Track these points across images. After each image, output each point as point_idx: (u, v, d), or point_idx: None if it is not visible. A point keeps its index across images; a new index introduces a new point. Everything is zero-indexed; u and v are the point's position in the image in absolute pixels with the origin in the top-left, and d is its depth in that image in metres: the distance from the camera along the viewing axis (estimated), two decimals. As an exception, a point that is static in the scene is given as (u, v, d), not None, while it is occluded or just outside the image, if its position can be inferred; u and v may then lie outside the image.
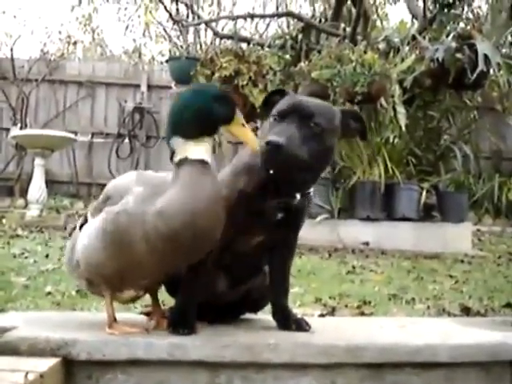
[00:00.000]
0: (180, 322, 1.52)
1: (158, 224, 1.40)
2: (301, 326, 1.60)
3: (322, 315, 2.18)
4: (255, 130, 5.19)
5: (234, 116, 1.50)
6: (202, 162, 1.46)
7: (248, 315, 1.80)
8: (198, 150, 1.47)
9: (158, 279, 1.59)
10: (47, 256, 3.56)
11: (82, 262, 1.58)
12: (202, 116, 1.47)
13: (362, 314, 2.37)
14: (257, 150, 1.48)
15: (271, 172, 1.51)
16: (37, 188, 5.76)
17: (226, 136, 5.88)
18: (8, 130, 8.19)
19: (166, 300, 1.76)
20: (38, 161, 5.86)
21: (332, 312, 2.34)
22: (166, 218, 1.40)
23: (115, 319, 1.56)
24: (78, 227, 1.65)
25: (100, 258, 1.51)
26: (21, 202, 7.15)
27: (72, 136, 6.31)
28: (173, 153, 1.49)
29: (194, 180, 1.44)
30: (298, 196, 1.55)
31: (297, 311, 1.79)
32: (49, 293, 2.58)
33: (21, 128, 8.05)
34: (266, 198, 1.54)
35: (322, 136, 1.50)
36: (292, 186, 1.55)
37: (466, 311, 2.47)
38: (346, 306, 2.52)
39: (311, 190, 1.60)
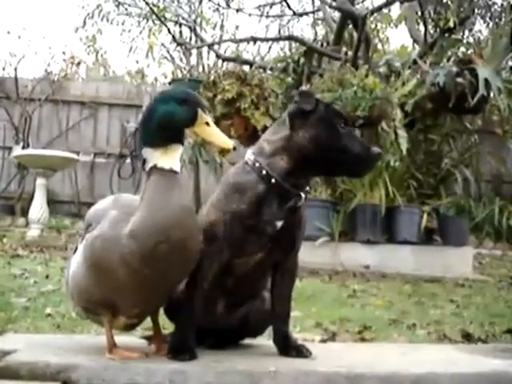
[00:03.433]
0: (180, 348, 1.52)
1: (133, 246, 1.39)
2: (301, 352, 1.60)
3: (323, 341, 2.17)
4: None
5: (196, 116, 1.47)
6: (171, 172, 1.46)
7: (248, 340, 1.79)
8: (167, 158, 1.46)
9: (149, 307, 1.57)
10: (47, 277, 3.54)
11: (73, 289, 1.58)
12: (164, 122, 1.46)
13: (363, 339, 2.35)
14: (229, 148, 1.48)
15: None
16: (38, 207, 5.75)
17: (227, 157, 5.91)
18: (10, 148, 8.23)
19: (167, 324, 1.76)
20: (40, 180, 5.86)
21: (333, 337, 2.32)
22: (139, 239, 1.39)
23: (115, 344, 1.56)
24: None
25: (87, 285, 1.51)
26: (22, 221, 7.14)
27: (74, 156, 6.33)
28: (144, 161, 1.49)
29: (160, 195, 1.43)
30: (303, 195, 1.59)
31: (297, 336, 1.78)
32: (49, 314, 2.57)
33: (23, 147, 8.08)
34: (264, 210, 1.55)
35: None
36: (301, 187, 1.59)
37: (467, 337, 2.45)
38: (347, 331, 2.51)
39: (308, 189, 1.65)
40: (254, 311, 1.70)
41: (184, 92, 1.50)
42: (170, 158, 1.47)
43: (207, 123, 1.48)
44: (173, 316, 1.66)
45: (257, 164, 1.57)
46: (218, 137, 1.49)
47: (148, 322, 1.66)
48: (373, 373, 1.49)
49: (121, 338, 1.63)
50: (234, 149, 1.48)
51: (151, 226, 1.40)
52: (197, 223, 1.49)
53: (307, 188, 1.62)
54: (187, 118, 1.46)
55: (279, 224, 1.56)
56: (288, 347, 1.62)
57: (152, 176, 1.46)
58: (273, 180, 1.54)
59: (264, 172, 1.55)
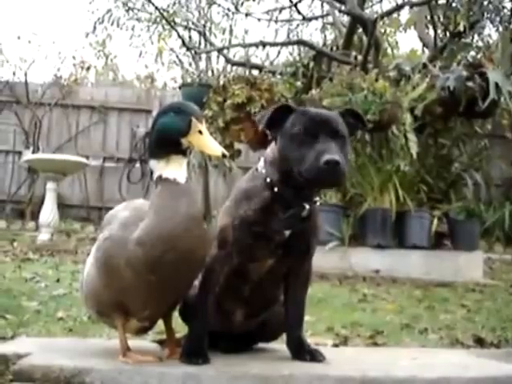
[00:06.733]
0: (194, 352, 1.52)
1: (139, 253, 1.40)
2: (315, 356, 1.60)
3: (335, 345, 2.16)
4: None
5: (190, 125, 1.45)
6: (175, 182, 1.46)
7: (262, 345, 1.79)
8: (171, 169, 1.47)
9: (158, 310, 1.57)
10: (58, 280, 3.56)
11: (86, 291, 1.60)
12: (163, 133, 1.47)
13: (375, 344, 2.35)
14: (218, 156, 1.44)
15: (316, 186, 1.56)
16: (48, 211, 5.78)
17: (236, 162, 5.92)
18: (20, 153, 8.29)
19: (178, 328, 1.75)
20: (50, 184, 5.89)
21: (345, 342, 2.32)
22: (146, 247, 1.40)
23: (128, 347, 1.56)
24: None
25: (98, 286, 1.53)
26: (32, 225, 7.18)
27: (84, 160, 6.36)
28: (151, 172, 1.50)
29: (168, 204, 1.43)
30: (307, 206, 1.55)
31: (310, 341, 1.78)
32: (60, 318, 2.58)
33: (33, 152, 8.13)
34: (270, 218, 1.54)
35: (346, 144, 1.53)
36: (306, 197, 1.55)
37: (480, 342, 2.44)
38: (359, 335, 2.50)
39: (317, 199, 1.61)
40: (273, 314, 1.70)
41: (179, 102, 1.53)
42: (174, 169, 1.47)
43: (200, 131, 1.46)
44: (187, 319, 1.66)
45: (263, 171, 1.57)
46: (210, 145, 1.45)
47: (160, 325, 1.66)
48: (387, 377, 1.48)
49: (133, 342, 1.63)
50: (224, 156, 1.44)
51: (158, 235, 1.40)
52: (205, 232, 1.48)
53: (315, 198, 1.59)
54: (182, 126, 1.45)
55: (287, 233, 1.55)
56: (302, 351, 1.61)
57: (159, 185, 1.48)
58: (275, 188, 1.54)
59: (268, 180, 1.55)
